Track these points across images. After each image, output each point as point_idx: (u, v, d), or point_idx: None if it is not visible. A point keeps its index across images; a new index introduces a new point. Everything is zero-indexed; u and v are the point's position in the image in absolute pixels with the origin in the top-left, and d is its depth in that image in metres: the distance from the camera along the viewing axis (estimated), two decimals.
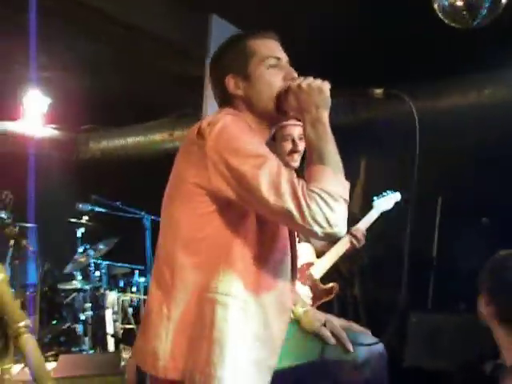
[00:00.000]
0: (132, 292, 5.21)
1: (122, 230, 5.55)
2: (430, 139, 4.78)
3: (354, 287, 5.55)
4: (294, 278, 1.64)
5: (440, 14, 3.18)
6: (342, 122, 4.91)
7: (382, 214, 3.16)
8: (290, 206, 1.37)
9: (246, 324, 1.48)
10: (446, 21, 3.22)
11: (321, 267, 2.70)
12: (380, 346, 2.08)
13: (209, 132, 1.45)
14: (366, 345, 2.01)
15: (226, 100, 1.63)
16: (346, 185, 1.47)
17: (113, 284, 5.26)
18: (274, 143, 2.52)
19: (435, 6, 3.15)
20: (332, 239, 1.47)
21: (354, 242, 2.81)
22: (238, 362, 1.46)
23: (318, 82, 1.55)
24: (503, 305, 1.74)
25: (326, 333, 2.02)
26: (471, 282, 4.94)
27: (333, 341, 2.01)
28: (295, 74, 1.61)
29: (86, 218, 5.05)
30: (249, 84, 1.58)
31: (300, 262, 2.59)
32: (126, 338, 4.88)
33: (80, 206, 4.83)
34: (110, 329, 4.78)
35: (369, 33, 4.10)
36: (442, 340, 4.27)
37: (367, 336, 2.15)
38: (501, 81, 4.39)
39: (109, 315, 4.82)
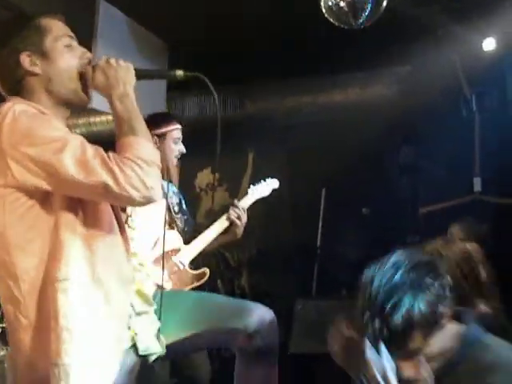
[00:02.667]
0: None
1: None
2: (312, 134, 5.01)
3: (241, 277, 5.65)
4: (127, 248, 1.65)
5: (325, 14, 3.32)
6: (231, 117, 5.00)
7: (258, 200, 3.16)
8: (104, 177, 1.38)
9: (87, 304, 1.48)
10: (331, 20, 3.37)
11: (192, 250, 2.70)
12: (270, 315, 2.17)
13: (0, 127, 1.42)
14: None
15: (16, 84, 1.56)
16: (158, 152, 1.52)
17: None
18: (159, 143, 2.68)
19: (321, 4, 3.28)
20: (149, 203, 1.49)
21: (233, 218, 2.76)
22: (89, 342, 1.46)
23: (123, 60, 1.57)
24: None
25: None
26: (352, 269, 5.21)
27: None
28: (90, 54, 1.63)
29: None
30: (47, 61, 1.55)
31: (166, 248, 2.63)
32: (2, 337, 4.62)
33: None
34: None
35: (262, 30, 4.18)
36: (326, 325, 4.46)
37: (258, 304, 2.22)
38: (382, 79, 4.65)
39: None
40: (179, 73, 1.68)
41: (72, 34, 1.62)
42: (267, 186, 3.09)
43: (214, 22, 4.08)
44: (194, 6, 3.91)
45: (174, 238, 2.68)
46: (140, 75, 1.59)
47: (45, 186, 1.42)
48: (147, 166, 1.43)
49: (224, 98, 5.08)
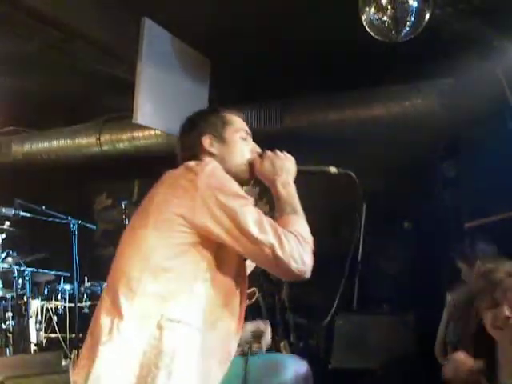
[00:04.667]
0: (57, 300, 5.05)
1: (46, 236, 5.38)
2: (353, 148, 4.97)
3: (281, 292, 5.64)
4: (239, 322, 1.72)
5: (367, 27, 3.32)
6: (271, 131, 5.05)
7: None
8: (273, 241, 1.55)
9: (192, 353, 1.54)
10: (373, 34, 3.36)
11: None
12: (304, 367, 2.18)
13: (200, 169, 1.63)
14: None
15: (195, 157, 1.78)
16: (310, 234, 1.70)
17: (37, 292, 5.09)
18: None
19: (363, 18, 3.28)
20: (300, 278, 1.61)
21: None
22: None
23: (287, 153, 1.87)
24: None
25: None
26: (394, 285, 5.14)
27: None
28: (259, 149, 1.88)
29: (7, 223, 4.86)
30: (223, 146, 1.82)
31: None
32: (49, 347, 4.73)
33: (3, 210, 4.64)
34: (33, 338, 4.63)
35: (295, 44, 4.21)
36: (367, 340, 4.42)
37: (293, 358, 2.25)
38: (424, 92, 4.60)
39: (32, 324, 4.66)
40: (333, 170, 1.97)
41: (249, 131, 1.89)
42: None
43: (255, 38, 4.13)
44: (234, 21, 3.97)
45: None
46: (300, 170, 1.88)
47: (214, 229, 1.57)
48: (305, 243, 1.61)
49: (264, 112, 5.13)
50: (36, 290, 5.12)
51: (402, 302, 4.60)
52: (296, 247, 1.56)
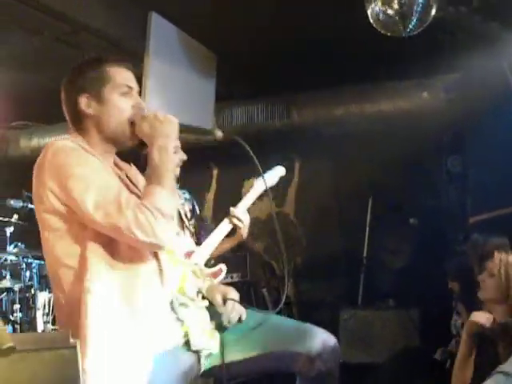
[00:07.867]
0: None
1: None
2: (359, 144, 4.97)
3: (286, 286, 5.66)
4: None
5: (373, 22, 3.33)
6: (278, 126, 5.07)
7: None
8: (117, 221, 1.57)
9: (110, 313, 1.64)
10: (379, 29, 3.37)
11: (203, 253, 2.68)
12: (333, 340, 2.13)
13: (42, 163, 1.66)
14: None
15: (75, 120, 1.77)
16: (175, 206, 1.75)
17: (44, 284, 5.12)
18: None
19: (369, 13, 3.29)
20: (155, 248, 1.70)
21: (236, 222, 2.72)
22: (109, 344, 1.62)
23: (169, 115, 1.76)
24: None
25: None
26: (399, 280, 5.16)
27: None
28: (143, 104, 1.80)
29: (15, 216, 4.89)
30: (101, 106, 1.74)
31: (182, 252, 2.65)
32: None
33: (11, 202, 4.66)
34: (40, 330, 4.66)
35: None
36: (372, 335, 4.44)
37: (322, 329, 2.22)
38: (429, 87, 4.61)
39: (40, 316, 4.70)
40: (219, 134, 1.85)
41: (132, 85, 1.79)
42: (273, 176, 3.02)
43: (262, 33, 4.14)
44: (242, 17, 3.98)
45: (187, 242, 2.71)
46: (183, 130, 1.77)
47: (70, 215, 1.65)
48: (161, 216, 1.60)
49: (271, 107, 5.14)
50: (44, 282, 5.15)
51: (406, 297, 4.62)
52: (146, 222, 1.57)
